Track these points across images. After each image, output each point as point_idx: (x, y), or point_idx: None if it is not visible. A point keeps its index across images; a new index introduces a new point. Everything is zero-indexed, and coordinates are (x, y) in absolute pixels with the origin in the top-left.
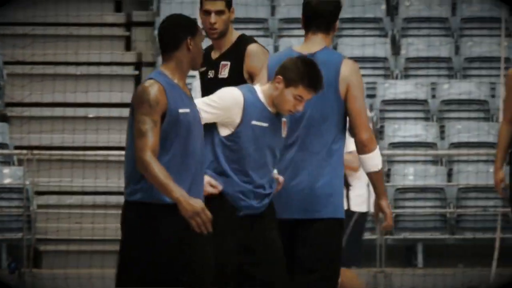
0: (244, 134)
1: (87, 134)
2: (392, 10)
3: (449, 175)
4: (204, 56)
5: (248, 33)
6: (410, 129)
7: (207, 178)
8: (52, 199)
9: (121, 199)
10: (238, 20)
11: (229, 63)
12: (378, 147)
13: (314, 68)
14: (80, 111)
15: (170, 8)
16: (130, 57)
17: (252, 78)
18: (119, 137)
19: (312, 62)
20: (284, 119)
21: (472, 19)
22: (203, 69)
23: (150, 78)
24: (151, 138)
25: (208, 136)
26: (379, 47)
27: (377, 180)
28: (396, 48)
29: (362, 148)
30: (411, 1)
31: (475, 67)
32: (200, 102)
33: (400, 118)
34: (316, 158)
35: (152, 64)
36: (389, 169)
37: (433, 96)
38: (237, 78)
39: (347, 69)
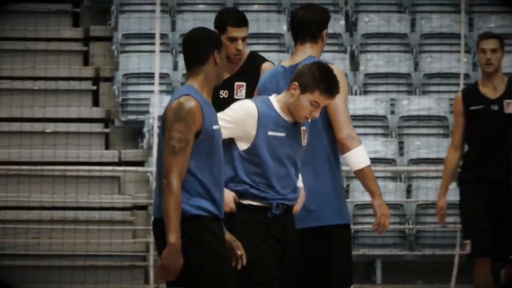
0: (262, 145)
1: (44, 149)
2: (351, 26)
3: (408, 191)
4: None
5: None
6: (369, 145)
7: (231, 194)
8: (10, 214)
9: (79, 213)
10: None
11: (244, 84)
12: (361, 145)
13: (330, 73)
14: (38, 126)
15: (128, 23)
16: (88, 72)
17: None
18: (77, 152)
19: (327, 67)
20: (303, 128)
21: (431, 35)
22: None
23: (186, 94)
24: (183, 159)
25: (226, 151)
26: (338, 63)
27: (362, 178)
28: (355, 64)
29: (341, 148)
30: (370, 17)
31: (435, 83)
32: None
33: (359, 134)
34: (303, 169)
35: (110, 79)
36: (347, 185)
37: (392, 112)
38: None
39: None
